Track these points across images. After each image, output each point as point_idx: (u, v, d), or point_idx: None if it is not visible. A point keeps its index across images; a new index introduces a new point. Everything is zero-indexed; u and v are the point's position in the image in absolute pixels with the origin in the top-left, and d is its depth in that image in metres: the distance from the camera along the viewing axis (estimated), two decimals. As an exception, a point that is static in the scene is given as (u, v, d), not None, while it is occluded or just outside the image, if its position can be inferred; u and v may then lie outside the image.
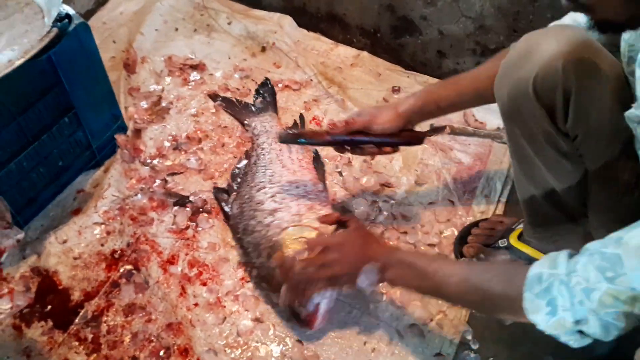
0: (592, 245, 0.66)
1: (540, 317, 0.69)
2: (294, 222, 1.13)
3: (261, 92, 1.53)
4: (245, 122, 1.45)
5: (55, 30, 0.98)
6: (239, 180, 1.29)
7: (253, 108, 1.48)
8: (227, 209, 1.25)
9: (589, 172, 0.91)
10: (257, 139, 1.37)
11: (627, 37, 0.79)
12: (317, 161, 1.34)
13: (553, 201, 0.99)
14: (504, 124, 0.99)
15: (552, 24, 0.98)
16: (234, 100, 1.51)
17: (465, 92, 1.05)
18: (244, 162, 1.34)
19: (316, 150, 1.36)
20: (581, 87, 0.82)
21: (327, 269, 0.95)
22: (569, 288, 0.66)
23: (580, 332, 0.67)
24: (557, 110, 0.86)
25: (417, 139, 1.12)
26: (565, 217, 0.99)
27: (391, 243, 1.22)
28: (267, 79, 1.57)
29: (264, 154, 1.32)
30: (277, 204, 1.17)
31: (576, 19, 0.94)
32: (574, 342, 0.69)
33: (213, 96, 1.52)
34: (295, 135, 1.12)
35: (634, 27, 0.64)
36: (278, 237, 1.11)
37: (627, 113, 0.69)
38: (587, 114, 0.83)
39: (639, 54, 0.69)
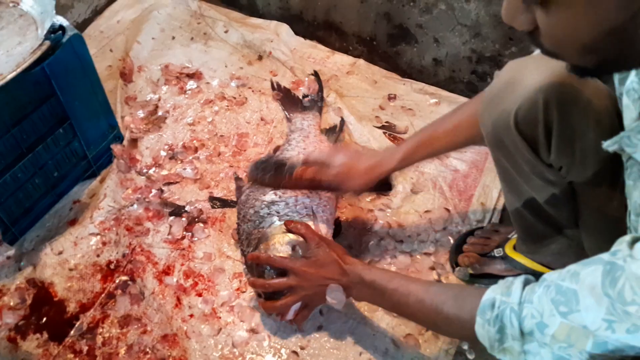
0: (549, 276, 0.66)
1: (489, 342, 0.70)
2: (286, 217, 1.12)
3: (308, 92, 1.56)
4: (289, 116, 1.48)
5: (47, 43, 0.98)
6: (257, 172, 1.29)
7: (300, 105, 1.51)
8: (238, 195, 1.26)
9: (578, 198, 0.90)
10: (290, 134, 1.39)
11: None
12: None
13: (543, 218, 0.98)
14: (490, 152, 0.97)
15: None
16: (292, 92, 1.55)
17: (441, 150, 1.06)
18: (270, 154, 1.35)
19: None
20: (563, 120, 0.80)
21: (292, 296, 0.99)
22: (519, 318, 0.66)
23: None
24: (539, 143, 0.84)
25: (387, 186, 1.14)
26: (557, 232, 0.98)
27: (386, 252, 1.22)
28: (316, 72, 1.60)
29: (287, 149, 1.33)
30: (277, 197, 1.17)
31: None
32: None
33: (274, 84, 1.57)
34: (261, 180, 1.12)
35: (605, 72, 0.64)
36: (267, 229, 1.11)
37: (604, 145, 0.67)
38: (570, 146, 0.82)
39: (629, 79, 0.68)
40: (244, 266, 1.17)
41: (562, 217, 0.93)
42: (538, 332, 0.64)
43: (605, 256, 0.60)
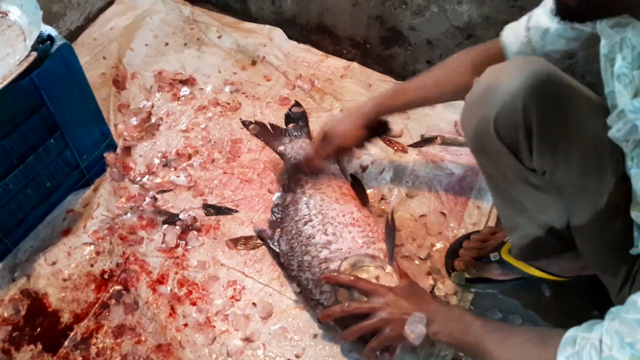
0: (614, 309, 0.65)
1: None
2: (351, 253, 1.07)
3: (292, 116, 1.49)
4: (279, 149, 1.40)
5: (34, 54, 0.97)
6: (278, 215, 1.24)
7: (287, 135, 1.44)
8: (274, 247, 1.19)
9: (566, 200, 0.88)
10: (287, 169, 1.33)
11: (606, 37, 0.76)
12: (358, 186, 1.30)
13: (535, 225, 0.96)
14: (474, 156, 0.97)
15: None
16: (268, 125, 1.47)
17: (413, 101, 1.13)
18: (279, 194, 1.29)
19: (355, 173, 1.35)
20: (543, 124, 0.79)
21: (370, 320, 0.95)
22: (598, 353, 0.64)
23: None
24: (521, 148, 0.84)
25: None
26: (551, 238, 0.98)
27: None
28: (296, 102, 1.53)
29: (302, 186, 1.26)
30: (329, 236, 1.11)
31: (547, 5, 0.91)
32: None
33: (246, 123, 1.48)
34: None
35: (589, 16, 0.61)
36: (339, 269, 1.05)
37: (610, 134, 0.66)
38: (552, 149, 0.81)
39: (616, 64, 0.67)
40: (318, 314, 1.07)
41: (552, 220, 0.92)
42: None
43: None
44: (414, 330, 0.92)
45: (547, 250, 1.00)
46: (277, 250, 1.18)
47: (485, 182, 1.02)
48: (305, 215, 1.18)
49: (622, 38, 0.67)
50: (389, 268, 1.03)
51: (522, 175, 0.87)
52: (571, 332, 0.68)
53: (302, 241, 1.13)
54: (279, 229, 1.20)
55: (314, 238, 1.12)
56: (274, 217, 1.25)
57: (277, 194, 1.30)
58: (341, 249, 1.08)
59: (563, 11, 0.56)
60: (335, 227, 1.13)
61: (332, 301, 1.03)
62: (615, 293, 0.87)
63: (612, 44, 0.73)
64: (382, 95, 1.16)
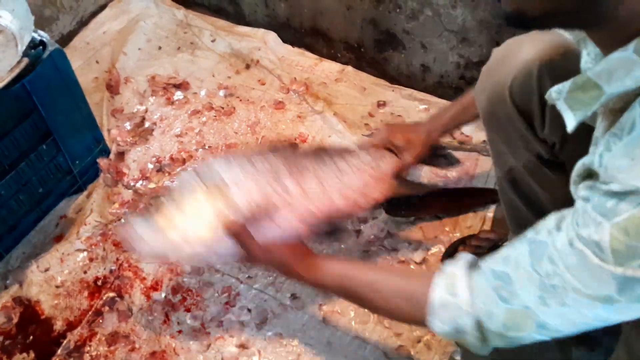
0: (484, 264, 0.66)
1: (444, 334, 0.71)
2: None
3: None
4: None
5: (25, 60, 0.97)
6: None
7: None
8: None
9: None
10: None
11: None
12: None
13: (537, 211, 0.97)
14: (485, 130, 0.98)
15: None
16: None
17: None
18: None
19: None
20: None
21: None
22: (474, 318, 0.66)
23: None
24: (534, 116, 0.85)
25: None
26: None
27: (379, 259, 1.20)
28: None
29: None
30: None
31: None
32: (482, 351, 0.69)
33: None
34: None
35: (548, 24, 0.60)
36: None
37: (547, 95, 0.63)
38: (562, 121, 0.82)
39: (582, 60, 0.68)
40: None
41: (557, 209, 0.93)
42: (490, 323, 0.64)
43: (530, 234, 0.62)
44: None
45: None
46: None
47: (491, 158, 1.02)
48: None
49: (583, 37, 0.67)
50: None
51: (532, 146, 0.88)
52: (437, 293, 0.69)
53: None
54: None
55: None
56: None
57: None
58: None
59: (512, 19, 0.56)
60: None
61: None
62: None
63: (577, 40, 0.76)
64: (448, 113, 1.10)
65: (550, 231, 0.58)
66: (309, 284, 0.89)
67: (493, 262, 0.65)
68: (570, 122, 0.57)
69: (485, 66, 0.92)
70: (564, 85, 0.57)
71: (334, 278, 0.84)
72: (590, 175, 0.56)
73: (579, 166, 0.58)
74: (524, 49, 0.84)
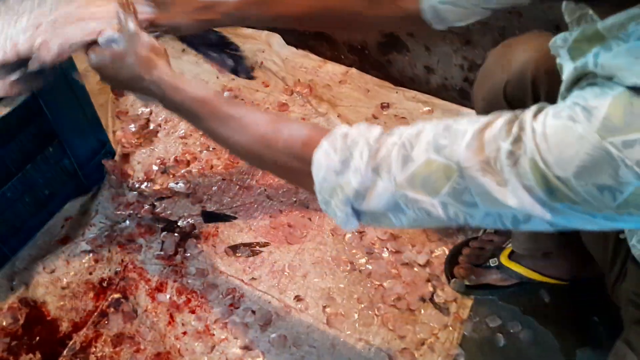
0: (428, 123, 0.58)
1: (325, 173, 0.59)
2: None
3: None
4: None
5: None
6: None
7: None
8: None
9: None
10: None
11: None
12: None
13: None
14: None
15: None
16: None
17: (286, 15, 0.92)
18: None
19: None
20: (551, 95, 0.80)
21: None
22: (372, 151, 0.57)
23: (354, 211, 0.59)
24: None
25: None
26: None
27: (383, 262, 1.21)
28: None
29: None
30: None
31: None
32: (341, 218, 0.60)
33: None
34: None
35: None
36: None
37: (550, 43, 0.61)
38: None
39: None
40: None
41: None
42: (395, 166, 0.55)
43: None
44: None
45: (548, 245, 1.00)
46: None
47: None
48: None
49: (582, 14, 0.67)
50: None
51: None
52: (342, 129, 0.61)
53: None
54: None
55: None
56: None
57: None
58: None
59: None
60: None
61: None
62: (610, 286, 0.87)
63: (572, 20, 0.74)
64: None
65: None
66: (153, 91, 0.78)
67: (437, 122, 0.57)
68: (569, 71, 0.55)
69: (481, 67, 0.93)
70: (571, 34, 0.56)
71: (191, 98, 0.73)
72: (579, 80, 0.54)
73: (570, 73, 0.55)
74: (519, 52, 0.84)
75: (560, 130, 0.48)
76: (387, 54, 1.56)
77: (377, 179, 0.56)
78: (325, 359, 1.07)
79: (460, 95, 1.51)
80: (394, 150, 0.56)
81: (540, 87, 0.81)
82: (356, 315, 1.13)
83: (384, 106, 1.54)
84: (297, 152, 0.63)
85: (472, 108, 1.47)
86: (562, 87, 0.57)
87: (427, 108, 1.52)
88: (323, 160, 0.59)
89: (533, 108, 0.52)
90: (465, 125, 0.54)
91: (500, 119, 0.53)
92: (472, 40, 1.38)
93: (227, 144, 0.71)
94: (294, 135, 0.63)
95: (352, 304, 1.14)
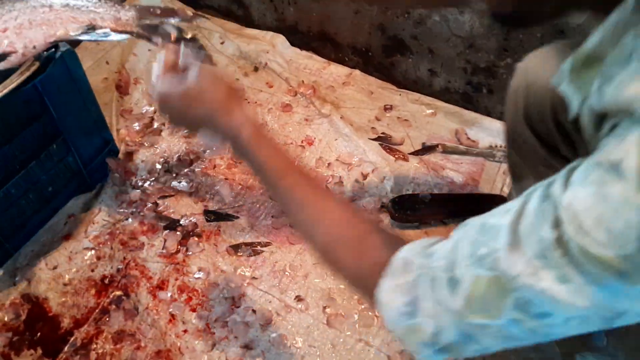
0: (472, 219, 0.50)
1: (392, 314, 0.52)
2: None
3: None
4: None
5: (36, 63, 0.98)
6: None
7: None
8: None
9: None
10: None
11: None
12: None
13: None
14: (505, 146, 1.00)
15: None
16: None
17: None
18: None
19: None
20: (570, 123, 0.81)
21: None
22: (434, 285, 0.49)
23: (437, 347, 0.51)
24: (556, 140, 0.86)
25: None
26: None
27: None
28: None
29: None
30: None
31: None
32: (426, 357, 0.52)
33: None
34: None
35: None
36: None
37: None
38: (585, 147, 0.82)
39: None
40: None
41: None
42: (450, 294, 0.47)
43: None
44: (205, 140, 0.75)
45: None
46: None
47: (508, 171, 1.04)
48: None
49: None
50: None
51: (553, 166, 0.88)
52: (404, 252, 0.54)
53: None
54: None
55: None
56: None
57: None
58: None
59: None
60: None
61: None
62: None
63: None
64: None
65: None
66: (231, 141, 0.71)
67: (489, 214, 0.49)
68: (576, 106, 0.49)
69: (511, 82, 0.93)
70: (563, 67, 0.50)
71: (276, 162, 0.67)
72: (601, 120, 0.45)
73: (587, 117, 0.47)
74: (540, 72, 0.84)
75: (595, 202, 0.39)
76: (391, 56, 1.57)
77: (446, 313, 0.49)
78: (324, 359, 1.07)
79: (463, 98, 1.52)
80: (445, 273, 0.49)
81: (561, 115, 0.81)
82: (356, 316, 1.13)
83: (387, 108, 1.54)
84: (358, 281, 0.58)
85: (475, 111, 1.50)
86: (589, 130, 0.48)
87: (430, 111, 1.53)
88: (390, 299, 0.53)
89: (563, 174, 0.43)
90: (497, 218, 0.46)
91: (532, 202, 0.44)
92: (475, 44, 1.38)
93: (298, 227, 0.67)
94: (351, 261, 0.58)
95: (352, 304, 1.15)
